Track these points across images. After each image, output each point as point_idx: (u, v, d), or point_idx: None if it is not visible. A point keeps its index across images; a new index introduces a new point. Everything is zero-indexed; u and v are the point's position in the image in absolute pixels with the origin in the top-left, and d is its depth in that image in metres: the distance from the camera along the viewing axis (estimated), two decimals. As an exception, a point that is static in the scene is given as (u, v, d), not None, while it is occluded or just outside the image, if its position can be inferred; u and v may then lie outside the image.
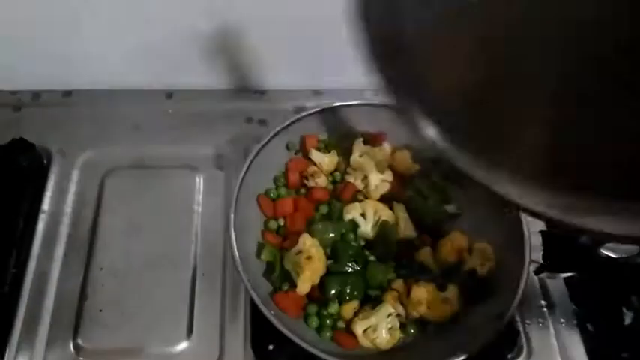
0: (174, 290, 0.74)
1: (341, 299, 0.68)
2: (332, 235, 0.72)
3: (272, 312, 0.62)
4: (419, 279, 0.70)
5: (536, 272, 0.70)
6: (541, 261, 0.69)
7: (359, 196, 0.77)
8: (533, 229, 0.71)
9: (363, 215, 0.73)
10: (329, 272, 0.70)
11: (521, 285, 0.66)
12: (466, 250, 0.72)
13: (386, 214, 0.73)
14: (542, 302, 0.77)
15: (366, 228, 0.73)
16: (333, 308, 0.68)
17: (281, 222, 0.75)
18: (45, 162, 0.84)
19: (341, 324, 0.68)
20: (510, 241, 0.71)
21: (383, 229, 0.72)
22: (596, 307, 0.92)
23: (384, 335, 0.65)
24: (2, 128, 0.86)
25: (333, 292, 0.68)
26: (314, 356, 0.61)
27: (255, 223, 0.74)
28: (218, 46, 0.87)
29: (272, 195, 0.76)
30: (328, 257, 0.71)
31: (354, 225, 0.73)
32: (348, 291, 0.68)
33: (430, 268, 0.72)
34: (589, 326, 0.86)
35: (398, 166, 0.79)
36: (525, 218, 0.70)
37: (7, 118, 0.88)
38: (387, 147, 0.80)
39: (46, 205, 0.80)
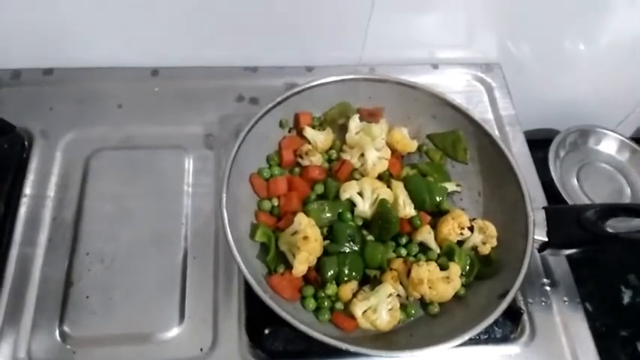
0: (165, 275, 0.71)
1: (339, 280, 0.66)
2: (328, 214, 0.69)
3: (268, 295, 0.60)
4: (419, 259, 0.68)
5: (540, 250, 0.68)
6: (545, 238, 0.67)
7: (355, 174, 0.74)
8: (536, 205, 0.69)
9: (360, 194, 0.71)
10: (326, 253, 0.67)
11: (525, 263, 0.64)
12: (468, 229, 0.70)
13: (384, 192, 0.70)
14: (545, 280, 0.75)
15: (364, 207, 0.70)
16: (331, 290, 0.65)
17: (275, 202, 0.72)
18: (26, 144, 0.80)
19: (339, 306, 0.65)
20: (513, 219, 0.69)
21: (381, 207, 0.69)
22: (595, 286, 0.91)
23: (384, 316, 0.63)
24: (-19, 109, 0.81)
25: (330, 273, 0.65)
26: (312, 339, 0.58)
27: (248, 204, 0.71)
28: (206, 21, 0.84)
29: (265, 174, 0.73)
30: (325, 238, 0.68)
31: (351, 204, 0.71)
32: (346, 272, 0.65)
33: (430, 248, 0.69)
34: (587, 305, 0.85)
35: (395, 144, 0.77)
36: (528, 194, 0.68)
37: (-15, 98, 0.84)
38: (383, 123, 0.78)
39: (28, 188, 0.76)
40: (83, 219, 0.74)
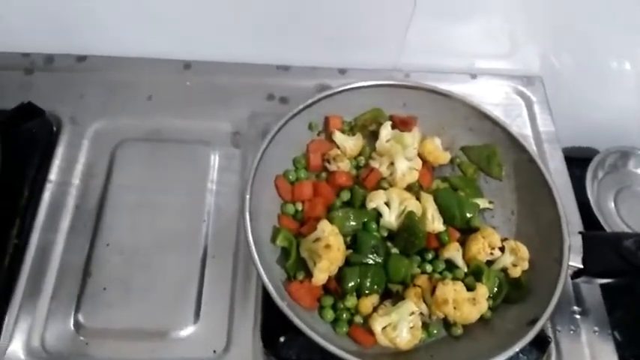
0: (183, 272, 0.70)
1: (360, 293, 0.63)
2: (353, 223, 0.67)
3: (285, 302, 0.58)
4: (445, 276, 0.65)
5: (574, 277, 0.64)
6: (579, 265, 0.63)
7: (383, 183, 0.72)
8: (572, 229, 0.65)
9: (387, 204, 0.68)
10: (347, 263, 0.65)
11: (558, 290, 0.60)
12: (498, 249, 0.67)
13: (412, 204, 0.67)
14: (575, 308, 0.72)
15: (390, 218, 0.67)
16: (351, 302, 0.63)
17: (299, 206, 0.70)
18: (54, 129, 0.80)
19: (358, 319, 0.63)
20: (547, 242, 0.65)
21: (408, 220, 0.66)
22: (626, 314, 0.87)
23: (404, 334, 0.60)
24: (12, 92, 0.81)
25: (351, 284, 0.63)
26: (327, 352, 0.56)
27: (271, 206, 0.70)
28: (241, 17, 0.82)
29: (291, 177, 0.71)
30: (347, 247, 0.66)
31: (376, 214, 0.68)
32: (368, 284, 0.63)
33: (457, 266, 0.66)
34: (617, 334, 0.81)
35: (427, 155, 0.74)
36: (565, 217, 0.65)
37: (18, 81, 0.84)
38: (416, 132, 0.75)
39: (53, 174, 0.76)
40: (106, 209, 0.74)
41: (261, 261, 0.60)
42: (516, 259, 0.66)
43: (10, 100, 0.78)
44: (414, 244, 0.66)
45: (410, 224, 0.66)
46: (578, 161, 0.94)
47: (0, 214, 0.71)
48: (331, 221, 0.65)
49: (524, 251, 0.66)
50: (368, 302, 0.63)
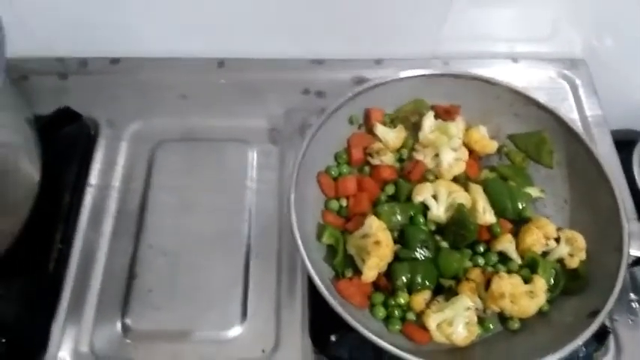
0: (227, 272, 0.69)
1: (411, 289, 0.62)
2: (400, 217, 0.65)
3: (336, 300, 0.56)
4: (498, 269, 0.63)
5: (632, 264, 0.62)
6: (639, 253, 0.60)
7: (429, 175, 0.70)
8: (630, 215, 0.63)
9: (434, 197, 0.66)
10: (396, 258, 0.63)
11: (619, 280, 0.58)
12: (554, 239, 0.64)
13: (461, 196, 0.65)
14: (633, 296, 0.69)
15: (438, 211, 0.65)
16: (403, 298, 0.61)
17: (343, 202, 0.68)
18: (92, 133, 0.80)
19: (411, 316, 0.61)
20: (604, 230, 0.63)
21: (458, 213, 0.64)
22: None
23: (460, 330, 0.58)
24: (48, 97, 0.81)
25: (402, 280, 0.61)
26: (381, 350, 0.55)
27: (314, 203, 0.68)
28: (272, 11, 0.81)
29: (333, 172, 0.70)
30: (395, 242, 0.64)
31: (424, 207, 0.66)
32: (419, 280, 0.61)
33: (511, 258, 0.64)
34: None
35: (473, 144, 0.71)
36: (623, 204, 0.62)
37: (53, 86, 0.84)
38: (460, 122, 0.73)
39: (94, 178, 0.76)
40: (147, 211, 0.73)
41: (310, 260, 0.58)
42: (573, 249, 0.63)
43: (47, 105, 0.78)
44: (464, 237, 0.64)
45: (460, 217, 0.64)
46: (623, 144, 0.90)
47: (43, 219, 0.70)
48: (378, 216, 0.63)
49: (581, 241, 0.63)
50: (420, 298, 0.61)
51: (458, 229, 0.64)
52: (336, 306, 0.55)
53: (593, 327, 0.56)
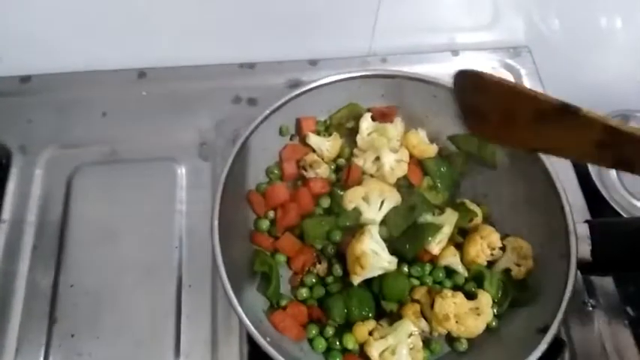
0: (157, 307, 0.64)
1: (350, 321, 0.58)
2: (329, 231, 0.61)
3: (268, 339, 0.52)
4: (444, 285, 0.59)
5: (583, 271, 0.58)
6: (589, 257, 0.57)
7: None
8: (578, 217, 0.59)
9: (364, 199, 0.62)
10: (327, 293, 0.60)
11: (568, 291, 0.55)
12: (498, 248, 0.61)
13: (393, 196, 0.62)
14: (587, 300, 0.66)
15: (369, 214, 0.61)
16: (331, 331, 0.58)
17: (272, 215, 0.64)
18: (3, 161, 0.73)
19: (352, 346, 0.57)
20: (552, 235, 0.59)
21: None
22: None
23: (404, 358, 0.54)
24: (-50, 124, 0.74)
25: (338, 315, 0.57)
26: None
27: (245, 226, 0.64)
28: (196, 15, 0.74)
29: (263, 190, 0.65)
30: (329, 259, 0.61)
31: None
32: (356, 312, 0.57)
33: (457, 272, 0.60)
34: (629, 310, 0.75)
35: (412, 149, 0.67)
36: (569, 207, 0.58)
37: (-45, 111, 0.77)
38: (399, 123, 0.68)
39: (7, 213, 0.69)
40: (66, 246, 0.67)
41: (238, 294, 0.53)
42: (519, 259, 0.60)
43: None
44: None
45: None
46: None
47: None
48: (304, 231, 0.60)
49: (527, 248, 0.60)
50: (364, 329, 0.56)
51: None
52: (267, 346, 0.51)
53: (544, 344, 0.52)
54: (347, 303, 0.57)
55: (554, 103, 0.39)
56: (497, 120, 0.46)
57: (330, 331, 0.57)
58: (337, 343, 0.57)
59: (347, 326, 0.58)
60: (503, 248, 0.61)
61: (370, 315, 0.57)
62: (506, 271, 0.61)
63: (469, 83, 0.50)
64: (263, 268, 0.59)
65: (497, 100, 0.45)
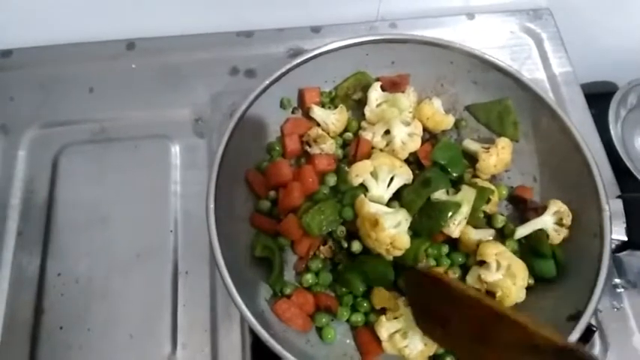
0: (151, 296, 0.60)
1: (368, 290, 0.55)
2: (331, 217, 0.56)
3: (271, 332, 0.47)
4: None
5: (616, 250, 0.53)
6: (623, 237, 0.52)
7: (377, 154, 0.60)
8: (609, 193, 0.54)
9: (373, 175, 0.57)
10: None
11: (602, 276, 0.50)
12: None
13: (404, 172, 0.57)
14: (618, 281, 0.61)
15: (378, 191, 0.56)
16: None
17: (274, 195, 0.59)
18: (-17, 143, 0.68)
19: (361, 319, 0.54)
20: (581, 213, 0.55)
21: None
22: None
23: (417, 344, 0.50)
24: None
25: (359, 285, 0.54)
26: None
27: (245, 208, 0.59)
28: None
29: (264, 168, 0.60)
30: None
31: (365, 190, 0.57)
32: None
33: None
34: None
35: (426, 121, 0.62)
36: (602, 183, 0.53)
37: None
38: (411, 93, 0.63)
39: (-11, 197, 0.65)
40: (53, 232, 0.64)
41: (238, 283, 0.49)
42: (558, 223, 0.56)
43: None
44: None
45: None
46: (596, 98, 0.81)
47: None
48: (305, 227, 0.54)
49: (568, 214, 0.55)
50: (382, 293, 0.53)
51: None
52: (270, 341, 0.46)
53: (576, 333, 0.48)
54: (364, 269, 0.53)
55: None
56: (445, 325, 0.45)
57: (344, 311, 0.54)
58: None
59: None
60: (541, 209, 0.56)
61: (389, 278, 0.53)
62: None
63: (421, 281, 0.49)
64: (265, 253, 0.55)
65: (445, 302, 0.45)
